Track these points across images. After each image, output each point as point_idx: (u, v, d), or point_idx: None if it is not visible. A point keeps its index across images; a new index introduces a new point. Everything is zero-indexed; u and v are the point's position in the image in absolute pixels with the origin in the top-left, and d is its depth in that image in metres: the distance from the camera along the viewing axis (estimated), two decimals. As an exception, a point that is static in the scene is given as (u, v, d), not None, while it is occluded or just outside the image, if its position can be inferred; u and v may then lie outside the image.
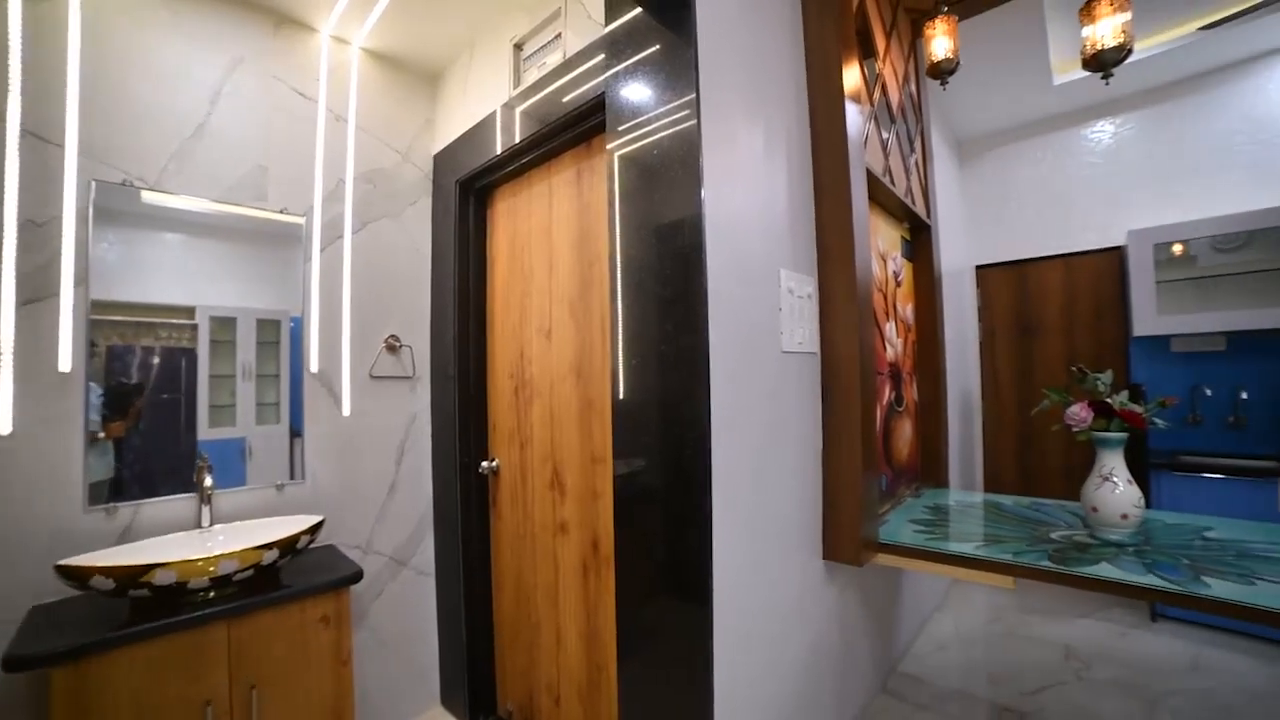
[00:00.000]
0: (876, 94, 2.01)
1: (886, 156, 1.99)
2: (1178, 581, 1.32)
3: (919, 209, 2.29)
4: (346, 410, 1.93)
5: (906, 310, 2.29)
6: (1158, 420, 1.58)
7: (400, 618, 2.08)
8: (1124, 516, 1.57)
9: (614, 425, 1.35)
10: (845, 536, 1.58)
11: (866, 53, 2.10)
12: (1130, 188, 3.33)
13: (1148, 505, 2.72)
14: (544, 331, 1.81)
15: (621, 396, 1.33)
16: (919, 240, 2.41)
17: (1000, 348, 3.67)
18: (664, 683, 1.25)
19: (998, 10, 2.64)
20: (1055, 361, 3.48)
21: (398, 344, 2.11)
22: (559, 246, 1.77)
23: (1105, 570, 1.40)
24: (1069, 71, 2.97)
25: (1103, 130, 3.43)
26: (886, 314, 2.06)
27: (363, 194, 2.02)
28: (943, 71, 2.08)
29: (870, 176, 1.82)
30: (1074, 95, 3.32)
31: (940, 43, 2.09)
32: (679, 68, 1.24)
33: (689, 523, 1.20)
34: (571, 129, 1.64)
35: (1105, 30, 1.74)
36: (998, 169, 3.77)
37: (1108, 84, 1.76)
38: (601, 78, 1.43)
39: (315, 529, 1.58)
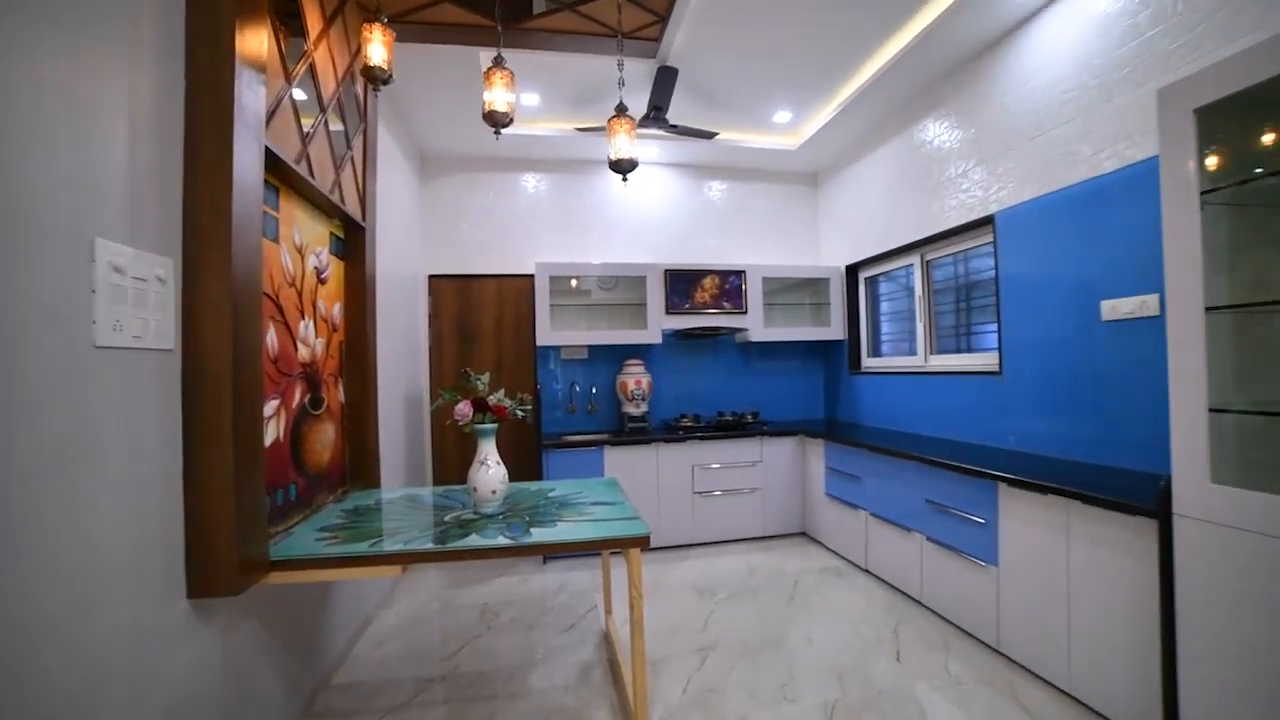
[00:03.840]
0: (299, 73, 1.86)
1: (306, 144, 1.87)
2: (516, 537, 1.70)
3: (352, 209, 2.27)
4: None
5: (333, 310, 2.23)
6: (519, 412, 2.02)
7: None
8: (494, 492, 1.93)
9: None
10: (220, 564, 1.36)
11: (295, 30, 1.93)
12: (544, 230, 4.30)
13: (541, 477, 3.58)
14: None
15: None
16: (353, 240, 2.38)
17: (446, 350, 4.10)
18: None
19: (458, 52, 2.94)
20: (488, 363, 4.14)
21: None
22: None
23: (473, 540, 1.67)
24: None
25: (529, 180, 4.31)
26: (302, 311, 1.93)
27: None
28: (375, 78, 2.11)
29: (278, 160, 1.65)
30: (516, 147, 4.04)
31: (376, 49, 2.11)
32: None
33: None
34: None
35: (497, 98, 2.11)
36: (456, 191, 4.21)
37: (498, 138, 2.15)
38: None
39: None
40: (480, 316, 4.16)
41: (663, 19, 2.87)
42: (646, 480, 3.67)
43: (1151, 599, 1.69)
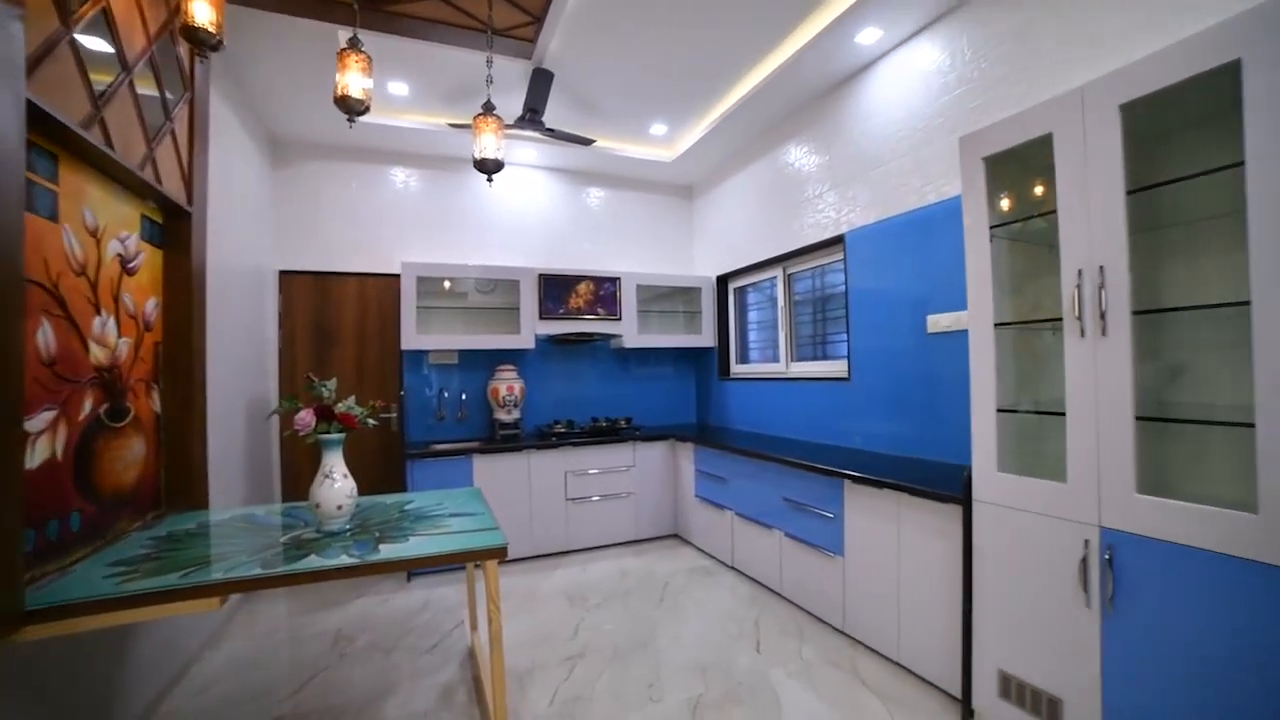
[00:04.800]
0: (84, 18, 1.57)
1: (100, 107, 1.59)
2: (361, 555, 1.56)
3: (172, 190, 1.97)
4: None
5: (146, 306, 1.92)
6: (370, 421, 1.87)
7: None
8: (339, 508, 1.77)
9: None
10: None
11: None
12: (413, 228, 4.05)
13: (406, 488, 3.36)
14: None
15: None
16: (175, 227, 2.07)
17: (300, 352, 3.72)
18: None
19: (316, 27, 2.65)
20: (348, 367, 3.81)
21: None
22: None
23: (311, 562, 1.51)
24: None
25: (398, 175, 4.04)
26: (97, 306, 1.64)
27: None
28: (199, 41, 1.84)
29: (59, 122, 1.39)
30: (383, 138, 3.76)
31: (200, 8, 1.85)
32: None
33: None
34: None
35: (351, 83, 1.95)
36: (315, 181, 3.84)
37: (351, 126, 1.99)
38: None
39: None
40: (340, 317, 3.82)
41: (538, 20, 2.83)
42: (518, 488, 3.57)
43: (958, 572, 1.94)
